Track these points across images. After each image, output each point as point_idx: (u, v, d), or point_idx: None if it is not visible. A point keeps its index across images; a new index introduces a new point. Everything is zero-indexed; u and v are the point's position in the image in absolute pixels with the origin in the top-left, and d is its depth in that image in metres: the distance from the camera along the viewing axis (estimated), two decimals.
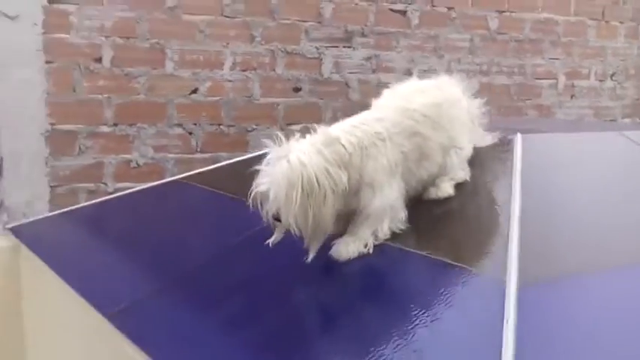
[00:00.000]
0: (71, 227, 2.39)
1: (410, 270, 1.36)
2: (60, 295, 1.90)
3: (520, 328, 1.06)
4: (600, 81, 3.78)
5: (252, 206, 1.30)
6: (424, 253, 1.34)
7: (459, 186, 1.55)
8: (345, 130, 1.37)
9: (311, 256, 1.32)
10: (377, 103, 1.51)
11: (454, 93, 1.60)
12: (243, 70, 2.81)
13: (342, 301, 1.34)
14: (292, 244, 1.34)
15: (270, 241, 1.34)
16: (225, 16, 2.76)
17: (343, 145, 1.33)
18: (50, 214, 2.51)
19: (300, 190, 1.25)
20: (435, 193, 1.51)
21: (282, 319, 1.31)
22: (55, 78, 2.50)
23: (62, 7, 2.47)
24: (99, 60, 2.56)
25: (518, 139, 1.68)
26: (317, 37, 2.94)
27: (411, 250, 1.37)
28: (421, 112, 1.45)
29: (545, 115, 3.57)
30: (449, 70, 3.29)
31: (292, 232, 1.30)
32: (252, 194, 1.29)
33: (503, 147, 1.71)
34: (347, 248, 1.37)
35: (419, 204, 1.50)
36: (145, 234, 2.11)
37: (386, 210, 1.37)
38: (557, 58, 3.63)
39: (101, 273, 1.90)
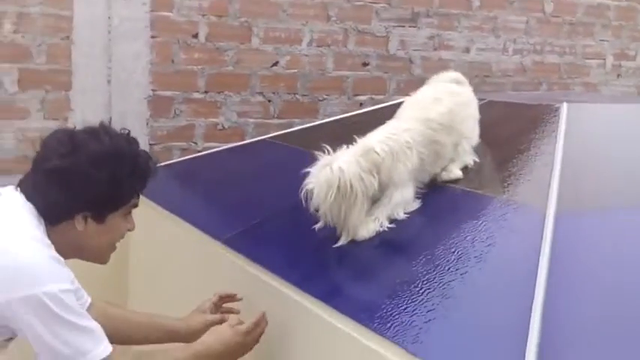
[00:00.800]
0: (171, 178, 2.75)
1: (463, 205, 1.69)
2: (172, 230, 2.27)
3: (555, 252, 1.35)
4: None
5: (303, 200, 1.58)
6: (480, 192, 1.66)
7: (509, 140, 1.87)
8: (380, 140, 1.64)
9: (340, 243, 1.59)
10: (401, 114, 1.79)
11: (464, 94, 1.87)
12: (319, 46, 3.14)
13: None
14: None
15: (316, 227, 1.64)
16: None
17: (377, 153, 1.60)
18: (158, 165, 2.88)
19: (336, 191, 1.53)
20: (447, 176, 1.77)
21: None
22: (158, 50, 2.86)
23: None
24: (195, 35, 2.91)
25: (564, 107, 1.97)
26: (386, 17, 3.23)
27: (465, 189, 1.70)
28: (438, 121, 1.72)
29: (591, 92, 3.78)
30: (505, 49, 3.54)
31: (328, 223, 1.60)
32: (302, 191, 1.58)
33: (551, 115, 2.00)
34: (367, 227, 1.60)
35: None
36: (237, 182, 2.46)
37: (402, 203, 1.65)
38: (606, 40, 3.83)
39: (208, 211, 2.28)
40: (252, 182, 2.41)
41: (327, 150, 1.61)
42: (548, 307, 1.18)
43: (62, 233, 1.37)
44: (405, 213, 1.65)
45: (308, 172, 1.59)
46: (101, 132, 1.42)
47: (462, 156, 1.80)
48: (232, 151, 2.84)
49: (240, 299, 1.68)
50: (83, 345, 1.27)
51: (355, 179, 1.56)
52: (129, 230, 1.50)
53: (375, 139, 1.65)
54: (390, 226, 1.61)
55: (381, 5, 3.22)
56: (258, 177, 2.46)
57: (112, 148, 1.40)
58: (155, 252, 2.45)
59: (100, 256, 1.47)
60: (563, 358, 1.11)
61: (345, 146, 1.63)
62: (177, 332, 1.63)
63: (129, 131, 1.49)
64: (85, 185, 1.37)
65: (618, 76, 3.90)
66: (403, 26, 3.28)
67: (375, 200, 1.64)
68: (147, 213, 2.24)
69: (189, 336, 1.60)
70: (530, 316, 1.16)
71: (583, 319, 1.21)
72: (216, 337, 1.49)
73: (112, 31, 2.77)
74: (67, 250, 1.35)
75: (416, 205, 1.68)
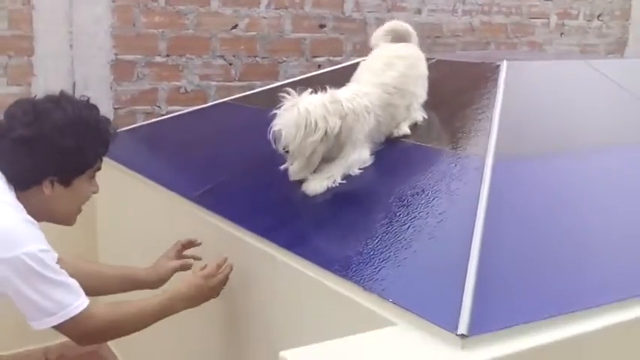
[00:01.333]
0: (137, 141, 2.84)
1: (413, 158, 1.85)
2: (139, 190, 2.37)
3: (493, 196, 1.53)
4: (588, 21, 4.17)
5: (271, 141, 1.68)
6: (428, 145, 1.83)
7: (454, 97, 2.03)
8: (347, 97, 1.74)
9: (298, 176, 1.73)
10: (358, 78, 1.89)
11: (414, 55, 1.99)
12: (277, 9, 3.23)
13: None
14: None
15: (282, 167, 1.77)
16: None
17: (343, 107, 1.71)
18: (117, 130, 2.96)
19: (303, 130, 1.64)
20: (397, 132, 1.89)
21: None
22: (118, 14, 2.91)
23: None
24: None
25: (504, 64, 2.14)
26: None
27: (415, 143, 1.87)
28: (392, 85, 1.84)
29: (536, 51, 3.98)
30: (454, 10, 3.69)
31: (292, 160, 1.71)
32: (270, 132, 1.67)
33: (492, 73, 2.17)
34: (320, 183, 1.72)
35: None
36: (201, 144, 2.56)
37: (359, 162, 1.78)
38: (550, 0, 4.02)
39: (175, 171, 2.39)
40: (216, 143, 2.51)
41: (291, 93, 1.71)
42: (485, 244, 1.35)
43: (31, 198, 1.46)
44: (359, 169, 1.78)
45: (275, 114, 1.69)
46: (62, 100, 1.51)
47: (412, 114, 1.94)
48: (196, 113, 2.93)
49: (200, 244, 1.82)
50: (64, 299, 1.38)
51: (320, 119, 1.66)
52: (93, 193, 1.61)
53: (342, 95, 1.75)
54: (342, 182, 1.74)
55: None
56: (222, 138, 2.56)
57: (75, 116, 1.49)
58: (124, 213, 2.55)
59: (67, 218, 1.58)
60: (498, 288, 1.29)
61: (309, 90, 1.73)
62: (145, 280, 1.77)
63: (88, 98, 1.58)
64: (51, 152, 1.46)
65: (562, 34, 4.10)
66: None
67: (330, 159, 1.76)
68: (114, 175, 2.32)
69: (156, 283, 1.75)
70: (468, 255, 1.34)
71: (516, 253, 1.40)
72: (181, 282, 1.64)
73: None
74: (35, 213, 1.45)
75: (369, 162, 1.81)
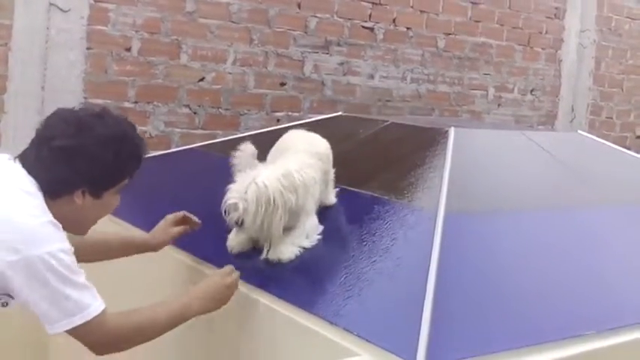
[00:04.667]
0: None
1: (371, 209, 2.04)
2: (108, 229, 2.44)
3: (445, 243, 1.73)
4: (522, 95, 4.58)
5: (223, 213, 1.71)
6: (385, 197, 2.04)
7: (407, 156, 2.26)
8: (297, 169, 1.79)
9: (264, 255, 1.77)
10: (293, 147, 1.95)
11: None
12: (242, 66, 3.44)
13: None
14: None
15: (228, 244, 1.82)
16: (232, 22, 3.37)
17: (295, 180, 1.77)
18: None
19: (263, 205, 1.69)
20: (328, 201, 2.00)
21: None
22: (92, 61, 3.05)
23: (104, 5, 3.04)
24: (129, 49, 3.13)
25: (452, 131, 2.40)
26: (302, 43, 3.60)
27: (374, 195, 2.06)
28: (325, 154, 1.97)
29: (476, 119, 4.34)
30: (404, 77, 4.01)
31: (251, 235, 1.77)
32: (223, 204, 1.71)
33: (442, 137, 2.42)
34: (290, 249, 1.78)
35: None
36: (166, 188, 2.66)
37: (314, 228, 1.85)
38: (489, 74, 4.39)
39: (144, 212, 2.49)
40: (180, 188, 2.62)
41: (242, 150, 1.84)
42: (439, 283, 1.53)
43: (60, 206, 1.47)
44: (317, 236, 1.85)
45: (228, 188, 1.75)
46: (105, 115, 1.55)
47: (330, 184, 2.05)
48: (160, 158, 3.06)
49: (200, 223, 1.92)
50: (83, 300, 1.38)
51: (277, 194, 1.72)
52: (116, 206, 1.63)
53: (292, 167, 1.81)
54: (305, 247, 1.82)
55: (299, 32, 3.59)
56: (186, 183, 2.69)
57: (118, 130, 1.53)
58: None
59: (85, 228, 1.60)
60: (452, 322, 1.47)
61: (260, 164, 1.85)
62: (146, 244, 1.85)
63: (127, 117, 1.64)
64: (91, 164, 1.47)
65: (499, 105, 4.48)
66: (317, 52, 3.66)
67: (285, 229, 1.81)
68: None
69: (157, 246, 1.85)
70: (425, 293, 1.53)
71: (468, 292, 1.58)
72: (199, 283, 1.67)
73: (49, 41, 2.94)
74: (59, 220, 1.44)
75: (320, 229, 1.88)
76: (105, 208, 1.58)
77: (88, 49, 3.03)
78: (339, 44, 3.74)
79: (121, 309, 1.57)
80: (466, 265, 1.69)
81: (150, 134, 3.25)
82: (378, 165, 2.38)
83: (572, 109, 4.81)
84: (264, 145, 3.04)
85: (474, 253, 1.76)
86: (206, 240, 2.05)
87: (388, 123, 2.68)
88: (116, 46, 3.10)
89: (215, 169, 2.77)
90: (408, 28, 3.98)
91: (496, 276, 1.69)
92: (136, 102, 3.20)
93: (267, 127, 3.22)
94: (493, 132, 2.72)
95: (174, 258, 2.00)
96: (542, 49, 4.61)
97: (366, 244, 1.81)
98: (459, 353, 1.38)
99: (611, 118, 5.09)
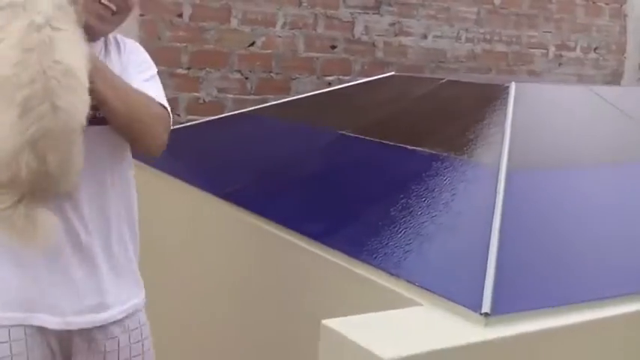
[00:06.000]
0: None
1: (431, 166, 2.00)
2: (169, 189, 2.49)
3: (508, 197, 1.68)
4: (585, 53, 4.39)
5: None
6: (445, 154, 1.98)
7: (467, 113, 2.20)
8: None
9: None
10: None
11: None
12: (291, 29, 3.40)
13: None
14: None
15: None
16: None
17: None
18: None
19: None
20: None
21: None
22: (145, 28, 3.06)
23: None
24: (180, 15, 3.13)
25: (513, 86, 2.31)
26: (352, 4, 3.52)
27: (432, 152, 2.01)
28: None
29: (536, 79, 4.18)
30: (458, 37, 3.89)
31: None
32: None
33: (502, 93, 2.33)
34: None
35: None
36: (221, 151, 2.71)
37: None
38: (549, 32, 4.23)
39: (201, 173, 2.52)
40: (236, 150, 2.66)
41: None
42: (503, 235, 1.50)
43: None
44: None
45: None
46: None
47: None
48: (214, 123, 3.09)
49: None
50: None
51: None
52: None
53: None
54: None
55: None
56: (240, 145, 2.72)
57: None
58: (154, 214, 2.66)
59: None
60: (517, 274, 1.43)
61: None
62: None
63: None
64: None
65: (560, 65, 4.31)
66: (367, 13, 3.59)
67: None
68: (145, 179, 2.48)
69: None
70: (488, 245, 1.48)
71: (533, 245, 1.54)
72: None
73: None
74: None
75: None
76: None
77: (141, 15, 3.04)
78: (389, 4, 3.64)
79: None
80: (529, 219, 1.64)
81: (203, 100, 3.26)
82: (435, 122, 2.32)
83: (639, 67, 4.59)
84: (314, 108, 3.03)
85: (537, 208, 1.71)
86: (267, 197, 2.08)
87: (444, 81, 2.61)
88: (168, 12, 3.11)
89: (268, 132, 2.78)
90: None
91: (558, 231, 1.64)
92: (188, 68, 3.21)
93: (318, 90, 3.18)
94: (557, 87, 2.61)
95: (232, 214, 2.01)
96: (606, 4, 4.40)
97: (425, 200, 1.77)
98: (524, 304, 1.34)
99: None
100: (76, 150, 1.29)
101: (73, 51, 1.27)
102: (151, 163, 2.53)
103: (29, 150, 1.21)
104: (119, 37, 1.63)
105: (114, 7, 1.48)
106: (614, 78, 4.53)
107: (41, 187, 1.26)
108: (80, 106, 1.27)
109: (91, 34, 1.41)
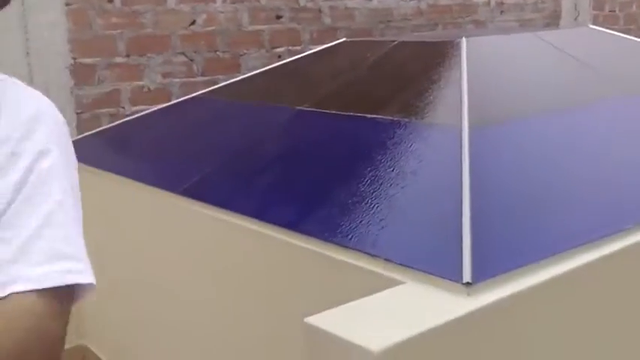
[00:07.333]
0: (105, 144, 2.84)
1: (392, 132, 1.95)
2: (117, 190, 2.37)
3: (474, 155, 1.64)
4: None
5: None
6: (396, 117, 1.93)
7: (421, 74, 2.15)
8: None
9: None
10: None
11: None
12: (233, 3, 3.27)
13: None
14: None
15: None
16: None
17: None
18: (81, 135, 2.95)
19: None
20: None
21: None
22: (73, 18, 2.89)
23: None
24: (111, 1, 2.96)
25: (464, 41, 2.27)
26: None
27: (383, 116, 1.96)
28: None
29: (480, 28, 4.17)
30: None
31: None
32: None
33: (454, 49, 2.29)
34: None
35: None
36: (173, 140, 2.59)
37: None
38: None
39: (154, 168, 2.41)
40: (188, 138, 2.54)
41: None
42: (474, 198, 1.46)
43: None
44: None
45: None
46: None
47: None
48: (162, 111, 2.95)
49: None
50: None
51: None
52: None
53: None
54: None
55: None
56: (193, 133, 2.60)
57: None
58: (104, 216, 2.56)
59: None
60: (493, 236, 1.41)
61: None
62: None
63: None
64: None
65: (501, 12, 4.30)
66: None
67: None
68: (87, 179, 2.33)
69: None
70: (461, 210, 1.45)
71: (505, 202, 1.51)
72: None
73: (25, 3, 2.77)
74: None
75: None
76: None
77: (67, 5, 2.87)
78: None
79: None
80: (499, 175, 1.62)
81: (148, 88, 3.13)
82: (392, 88, 2.26)
83: (576, 7, 4.63)
84: (269, 84, 2.93)
85: (506, 163, 1.68)
86: (224, 188, 1.99)
87: (396, 43, 2.55)
88: None
89: (221, 115, 2.68)
90: None
91: (531, 182, 1.62)
92: (127, 56, 3.06)
93: (269, 64, 3.07)
94: (504, 37, 2.58)
95: (192, 210, 1.92)
96: None
97: (393, 170, 1.72)
98: (505, 265, 1.31)
99: (614, 11, 4.96)
100: None
101: None
102: (96, 164, 2.41)
103: None
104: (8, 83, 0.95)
105: None
106: (553, 19, 4.57)
107: None
108: None
109: None
